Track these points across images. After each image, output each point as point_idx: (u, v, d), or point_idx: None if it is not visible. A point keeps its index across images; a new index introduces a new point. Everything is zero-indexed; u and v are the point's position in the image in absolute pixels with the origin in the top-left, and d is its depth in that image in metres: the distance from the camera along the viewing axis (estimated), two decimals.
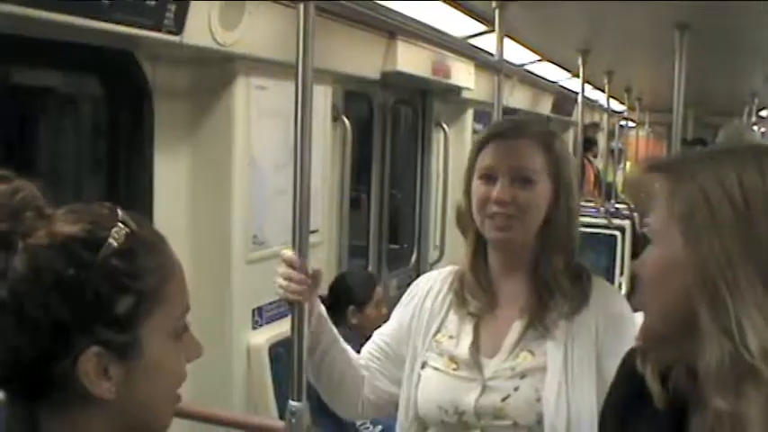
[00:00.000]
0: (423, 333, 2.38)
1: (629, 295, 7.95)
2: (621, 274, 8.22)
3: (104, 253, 1.17)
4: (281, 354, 3.85)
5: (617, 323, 2.22)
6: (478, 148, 2.34)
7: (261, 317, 4.01)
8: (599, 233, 8.25)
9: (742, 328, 1.29)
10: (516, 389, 2.19)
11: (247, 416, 3.38)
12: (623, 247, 8.32)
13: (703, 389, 1.34)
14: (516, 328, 2.26)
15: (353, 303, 4.41)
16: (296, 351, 2.36)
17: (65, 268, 1.14)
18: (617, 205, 9.96)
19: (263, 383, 3.91)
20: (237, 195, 3.82)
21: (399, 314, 2.49)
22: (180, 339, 1.27)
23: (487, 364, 2.25)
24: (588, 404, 2.14)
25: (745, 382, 1.28)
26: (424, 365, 2.34)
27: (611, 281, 8.02)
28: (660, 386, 1.48)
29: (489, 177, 2.27)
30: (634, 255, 8.56)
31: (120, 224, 1.20)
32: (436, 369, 2.31)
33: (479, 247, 2.37)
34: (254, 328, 3.98)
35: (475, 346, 2.28)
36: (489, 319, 2.32)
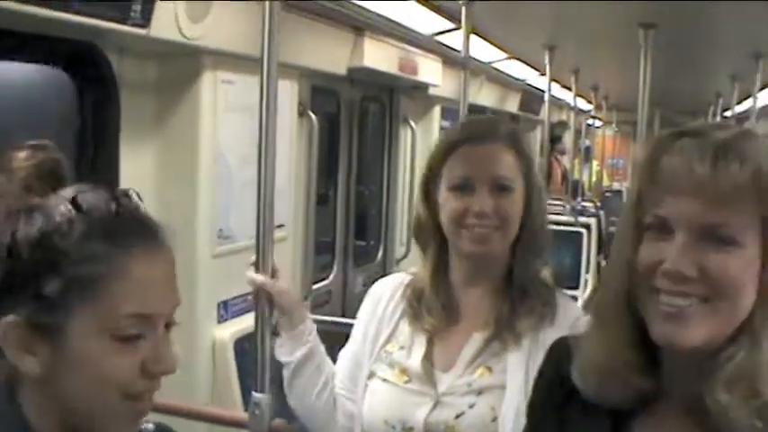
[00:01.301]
0: (371, 341, 2.26)
1: (595, 293, 8.00)
2: (587, 271, 8.27)
3: (42, 227, 1.19)
4: (246, 348, 3.85)
5: None
6: (445, 153, 2.18)
7: (226, 311, 4.00)
8: (565, 230, 8.29)
9: None
10: (472, 406, 2.06)
11: (211, 408, 3.38)
12: (589, 245, 8.36)
13: (705, 381, 1.33)
14: (475, 340, 2.14)
15: None
16: (260, 343, 2.38)
17: (10, 235, 1.18)
18: (583, 203, 10.04)
19: (227, 377, 3.90)
20: (203, 189, 3.81)
21: (356, 331, 2.36)
22: (128, 342, 1.21)
23: (441, 378, 2.12)
24: None
25: (764, 385, 1.29)
26: (371, 376, 2.21)
27: (577, 278, 8.07)
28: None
29: (464, 188, 2.12)
30: (599, 252, 8.65)
31: (69, 204, 1.21)
32: (385, 380, 2.18)
33: (441, 261, 2.23)
34: (219, 322, 3.97)
35: (428, 358, 2.15)
36: (445, 331, 2.19)
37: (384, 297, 2.31)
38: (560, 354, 1.58)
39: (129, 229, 1.24)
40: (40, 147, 1.30)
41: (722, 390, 1.30)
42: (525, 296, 2.15)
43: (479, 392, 2.07)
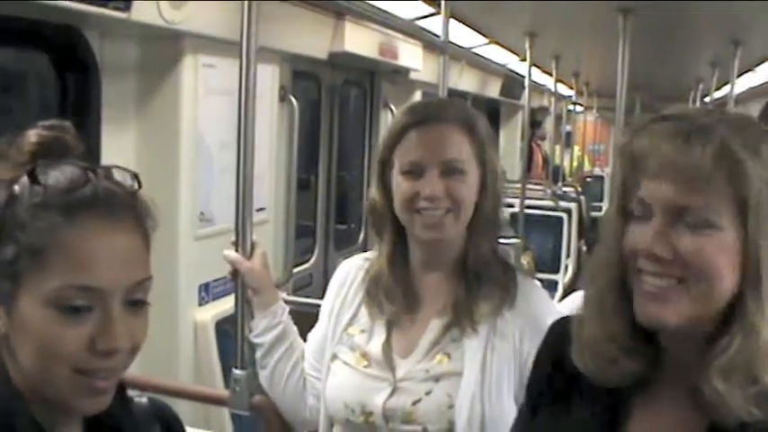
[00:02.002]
0: (334, 323, 2.27)
1: (576, 276, 8.08)
2: (568, 255, 8.32)
3: (6, 198, 1.25)
4: (227, 330, 3.87)
5: (542, 335, 2.00)
6: (396, 137, 2.16)
7: (207, 293, 4.02)
8: (546, 215, 8.34)
9: None
10: (429, 393, 2.07)
11: (193, 386, 3.40)
12: (570, 230, 8.40)
13: (702, 369, 1.35)
14: (434, 327, 2.14)
15: None
16: (239, 322, 2.42)
17: None
18: (564, 188, 10.09)
19: (209, 359, 3.92)
20: (185, 173, 3.82)
21: (323, 312, 2.37)
22: (74, 315, 1.22)
23: (401, 363, 2.13)
24: (504, 417, 1.99)
25: (760, 372, 1.32)
26: (334, 358, 2.22)
27: (558, 262, 8.12)
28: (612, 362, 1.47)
29: (414, 172, 2.10)
30: (580, 236, 8.71)
31: (28, 176, 1.26)
32: (346, 364, 2.19)
33: (398, 247, 2.23)
34: (200, 304, 3.99)
35: (388, 343, 2.16)
36: (405, 317, 2.20)
37: (348, 279, 2.33)
38: (559, 335, 1.61)
39: (85, 203, 1.25)
40: (50, 126, 1.33)
41: (719, 378, 1.33)
42: (480, 280, 2.14)
43: (437, 379, 2.08)
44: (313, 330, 2.40)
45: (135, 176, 1.36)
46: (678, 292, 1.35)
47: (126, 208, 1.30)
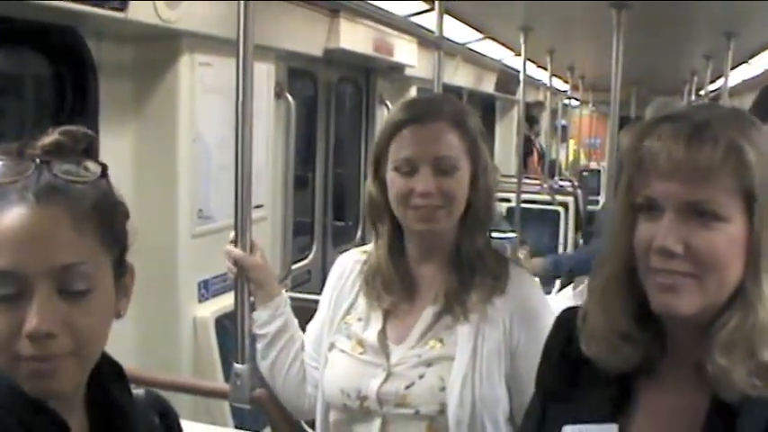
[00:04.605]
0: (332, 313, 2.33)
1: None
2: (565, 249, 8.34)
3: None
4: (226, 326, 3.90)
5: (532, 321, 2.14)
6: (390, 134, 2.20)
7: (207, 290, 4.04)
8: (543, 209, 8.37)
9: None
10: (421, 377, 2.12)
11: (195, 380, 3.42)
12: (567, 223, 8.43)
13: (705, 348, 1.41)
14: (428, 314, 2.19)
15: None
16: (239, 315, 2.45)
17: None
18: (561, 182, 10.10)
19: (209, 356, 3.94)
20: (183, 171, 3.84)
21: (322, 303, 2.42)
22: (3, 302, 1.23)
23: (395, 350, 2.19)
24: (495, 400, 2.10)
25: (759, 346, 1.38)
26: (331, 347, 2.28)
27: None
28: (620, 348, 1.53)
29: (408, 168, 2.15)
30: (577, 230, 8.73)
31: None
32: (342, 351, 2.25)
33: (395, 239, 2.27)
34: (199, 301, 4.01)
35: (384, 330, 2.21)
36: (401, 305, 2.25)
37: (346, 270, 2.38)
38: (567, 324, 1.65)
39: (7, 191, 1.25)
40: (62, 132, 1.34)
41: (721, 354, 1.39)
42: (473, 271, 2.19)
43: (429, 364, 2.14)
44: (312, 322, 2.45)
45: (103, 168, 1.35)
46: (690, 285, 1.40)
47: (55, 195, 1.27)
